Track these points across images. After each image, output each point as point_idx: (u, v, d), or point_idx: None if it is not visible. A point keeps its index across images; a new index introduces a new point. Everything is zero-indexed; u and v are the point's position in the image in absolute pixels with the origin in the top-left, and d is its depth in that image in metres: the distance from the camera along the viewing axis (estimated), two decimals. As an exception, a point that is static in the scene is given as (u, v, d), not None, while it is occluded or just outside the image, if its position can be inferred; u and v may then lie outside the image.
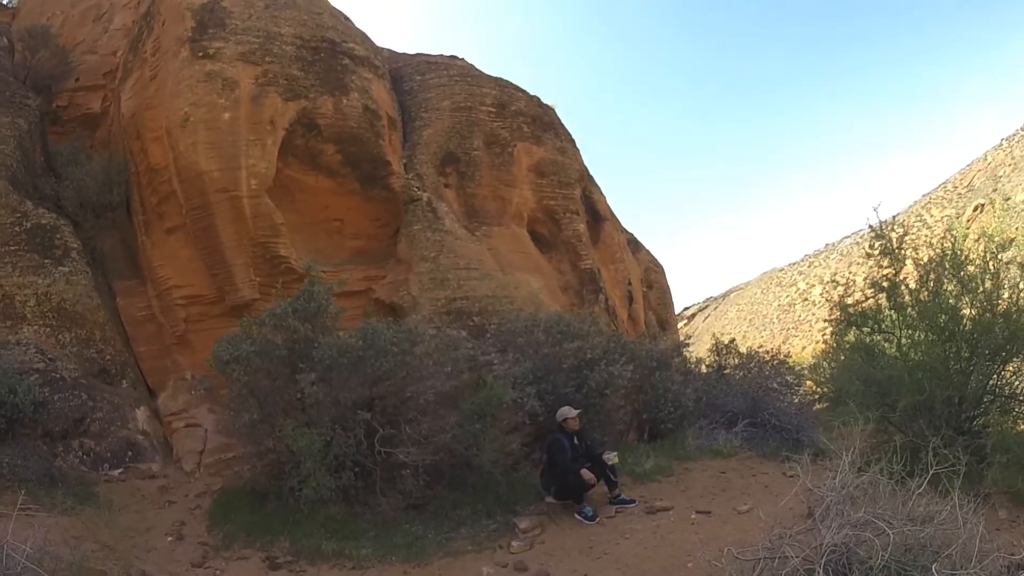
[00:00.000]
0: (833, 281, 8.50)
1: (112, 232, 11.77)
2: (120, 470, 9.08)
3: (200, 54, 10.63)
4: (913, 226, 42.20)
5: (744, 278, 48.94)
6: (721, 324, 40.62)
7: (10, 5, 18.04)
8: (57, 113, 13.66)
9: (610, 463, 7.54)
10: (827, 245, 49.38)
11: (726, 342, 12.74)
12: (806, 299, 41.68)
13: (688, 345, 13.69)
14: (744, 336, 35.95)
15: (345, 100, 11.36)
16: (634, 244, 18.85)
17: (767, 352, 12.34)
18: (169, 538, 7.47)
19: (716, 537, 6.03)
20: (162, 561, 6.84)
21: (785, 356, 12.59)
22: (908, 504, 3.48)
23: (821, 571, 3.24)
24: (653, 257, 19.64)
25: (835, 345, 7.99)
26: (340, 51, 11.85)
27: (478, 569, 6.40)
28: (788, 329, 40.50)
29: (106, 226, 11.66)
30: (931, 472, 3.63)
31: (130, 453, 9.36)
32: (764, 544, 3.93)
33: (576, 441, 7.71)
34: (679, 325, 43.05)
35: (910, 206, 49.13)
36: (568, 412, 7.83)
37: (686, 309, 47.24)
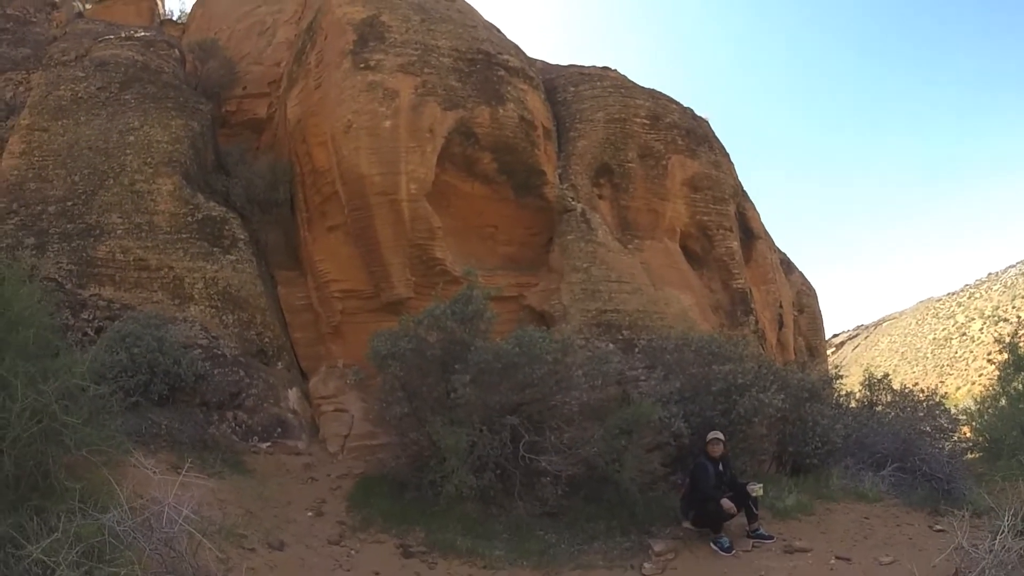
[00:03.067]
0: (995, 316, 7.79)
1: (276, 226, 12.86)
2: (268, 444, 9.87)
3: (362, 65, 11.41)
4: None
5: (899, 307, 45.50)
6: (871, 355, 37.92)
7: (180, 21, 20.39)
8: (226, 118, 15.14)
9: (754, 495, 7.42)
10: (990, 275, 44.97)
11: (879, 376, 11.96)
12: (964, 334, 38.05)
13: (841, 377, 13.02)
14: (895, 370, 33.38)
15: (501, 110, 11.82)
16: (787, 265, 18.17)
17: (922, 391, 11.50)
18: (309, 513, 8.04)
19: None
20: (300, 534, 7.37)
21: (941, 397, 11.65)
22: None
23: None
24: (806, 280, 18.81)
25: (999, 390, 7.32)
26: (495, 63, 12.35)
27: (608, 586, 6.51)
28: (943, 366, 37.15)
29: (271, 221, 12.77)
30: None
31: (279, 429, 10.17)
32: None
33: (721, 468, 7.63)
34: (827, 353, 40.69)
35: None
36: (714, 435, 7.75)
37: (835, 336, 44.58)
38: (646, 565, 6.92)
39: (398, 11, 12.13)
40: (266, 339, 11.34)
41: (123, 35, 15.08)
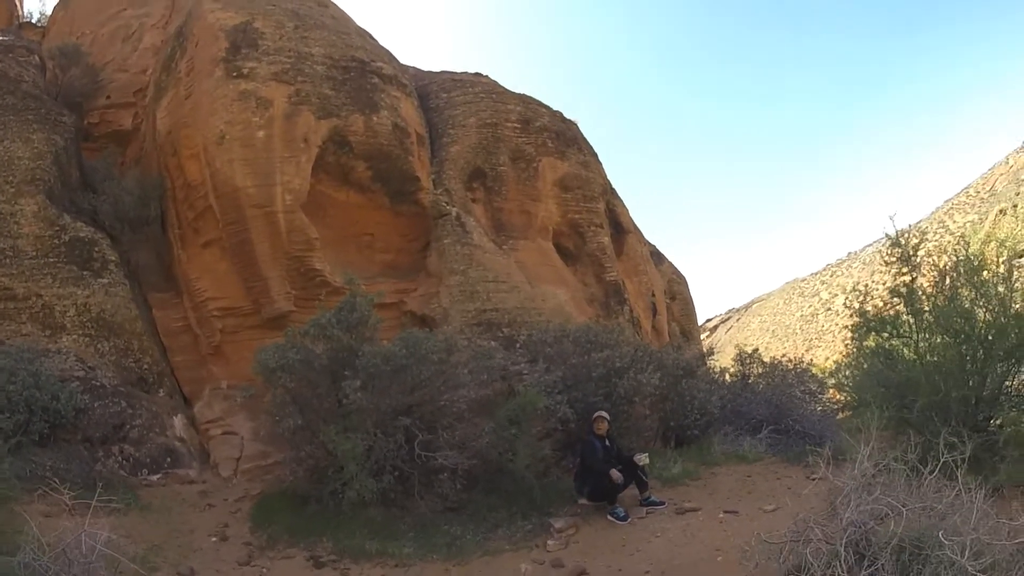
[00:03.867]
0: (856, 290, 8.82)
1: (147, 246, 12.35)
2: (159, 475, 9.58)
3: (234, 74, 11.24)
4: (936, 232, 42.23)
5: (766, 289, 49.15)
6: (744, 335, 40.81)
7: (39, 24, 18.96)
8: (89, 130, 14.33)
9: (641, 464, 7.96)
10: (849, 254, 49.46)
11: (749, 351, 13.13)
12: (829, 309, 41.69)
13: (713, 355, 14.11)
14: (767, 347, 36.14)
15: (375, 118, 11.94)
16: (657, 256, 19.29)
17: (790, 361, 12.75)
18: (213, 539, 7.94)
19: (743, 533, 6.40)
20: (209, 560, 7.31)
21: (808, 365, 12.97)
22: (920, 489, 3.88)
23: (842, 548, 3.65)
24: (676, 269, 20.06)
25: (855, 351, 8.38)
26: (369, 70, 12.46)
27: (516, 566, 6.84)
28: (811, 339, 40.53)
29: (141, 240, 12.24)
30: (941, 460, 4.02)
31: (169, 459, 9.87)
32: (790, 528, 4.35)
33: (608, 444, 8.14)
34: (702, 337, 43.29)
35: (933, 212, 49.22)
36: (598, 414, 8.29)
37: (708, 321, 47.52)
38: (549, 543, 7.28)
39: (271, 17, 12.03)
40: (145, 366, 10.93)
41: None
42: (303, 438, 8.01)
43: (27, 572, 4.59)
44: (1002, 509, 4.38)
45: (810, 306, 43.24)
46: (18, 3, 20.43)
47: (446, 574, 6.85)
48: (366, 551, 7.24)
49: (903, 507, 3.69)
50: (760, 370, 12.66)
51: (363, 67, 12.42)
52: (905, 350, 7.66)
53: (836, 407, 11.54)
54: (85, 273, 10.97)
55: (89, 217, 11.91)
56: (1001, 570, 3.39)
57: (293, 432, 7.97)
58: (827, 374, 12.56)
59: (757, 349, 13.60)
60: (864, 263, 42.71)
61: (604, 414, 8.35)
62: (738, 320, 44.10)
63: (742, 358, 12.99)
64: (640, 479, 8.03)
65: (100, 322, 10.67)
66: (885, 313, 7.97)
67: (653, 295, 17.26)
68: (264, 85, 11.25)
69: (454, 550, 7.22)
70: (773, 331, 42.22)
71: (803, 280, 45.76)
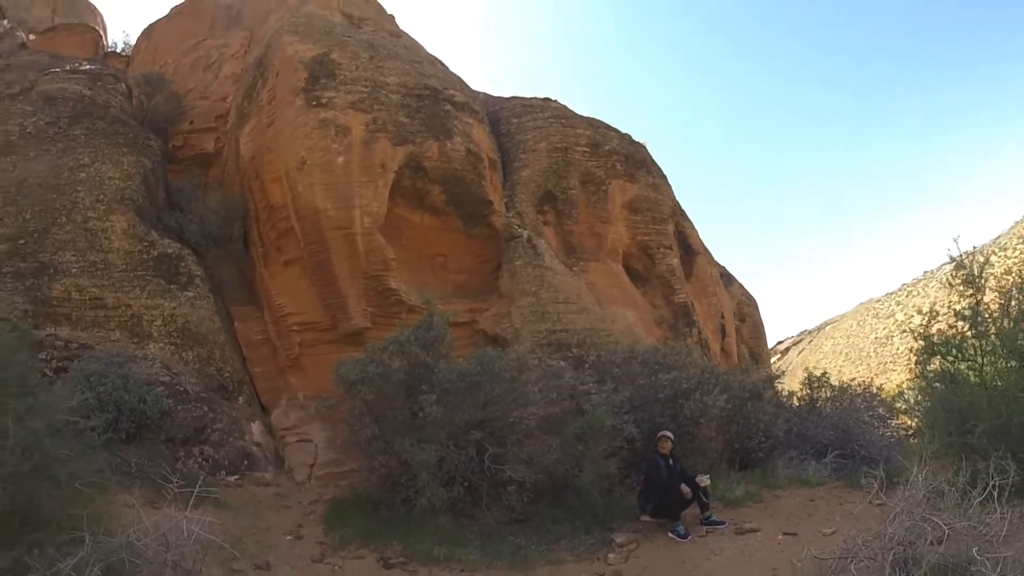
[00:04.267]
0: (924, 312, 8.86)
1: (230, 262, 13.38)
2: (236, 476, 10.33)
3: (314, 103, 12.16)
4: (1016, 248, 40.31)
5: (840, 310, 47.75)
6: (816, 358, 39.82)
7: (123, 53, 20.73)
8: (173, 152, 15.67)
9: (702, 485, 8.30)
10: (926, 273, 47.59)
11: (817, 374, 13.19)
12: (905, 331, 40.36)
13: (780, 377, 14.21)
14: (840, 371, 35.27)
15: (449, 144, 12.71)
16: (727, 277, 19.45)
17: (859, 385, 12.77)
18: (288, 537, 8.62)
19: (800, 554, 6.67)
20: (284, 555, 7.98)
21: (877, 389, 12.94)
22: (967, 511, 4.13)
23: (887, 565, 3.97)
24: (746, 290, 20.15)
25: (919, 374, 8.45)
26: (442, 98, 13.26)
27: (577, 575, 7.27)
28: (886, 363, 39.18)
29: (225, 257, 13.28)
30: (991, 484, 4.25)
31: (246, 462, 10.65)
32: (839, 546, 4.68)
33: (671, 463, 8.52)
34: (773, 359, 42.50)
35: (1012, 226, 46.99)
36: (663, 433, 8.70)
37: (779, 343, 46.59)
38: (610, 556, 7.71)
39: (347, 48, 12.95)
40: (226, 374, 11.81)
41: (69, 68, 15.37)
42: (378, 447, 8.67)
43: (129, 552, 5.24)
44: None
45: (884, 328, 41.87)
46: (103, 34, 22.39)
47: (510, 581, 7.35)
48: (434, 556, 7.80)
49: (946, 527, 3.98)
50: (828, 394, 12.73)
51: (436, 95, 13.22)
52: (970, 374, 7.73)
53: (905, 432, 11.51)
54: (172, 286, 11.98)
55: (175, 235, 12.99)
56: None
57: (369, 441, 8.65)
58: (892, 398, 12.49)
59: (826, 372, 13.64)
60: (941, 283, 41.23)
61: (668, 434, 8.74)
62: (810, 342, 43.08)
63: (810, 381, 13.08)
64: (701, 499, 8.36)
65: (185, 332, 11.64)
66: (950, 336, 8.05)
67: (723, 317, 17.43)
68: (342, 113, 12.12)
69: (518, 559, 7.72)
70: (846, 354, 41.07)
71: (877, 301, 44.36)
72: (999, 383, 7.33)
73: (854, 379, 14.10)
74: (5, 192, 12.21)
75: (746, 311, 19.31)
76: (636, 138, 16.52)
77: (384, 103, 12.54)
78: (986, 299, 8.08)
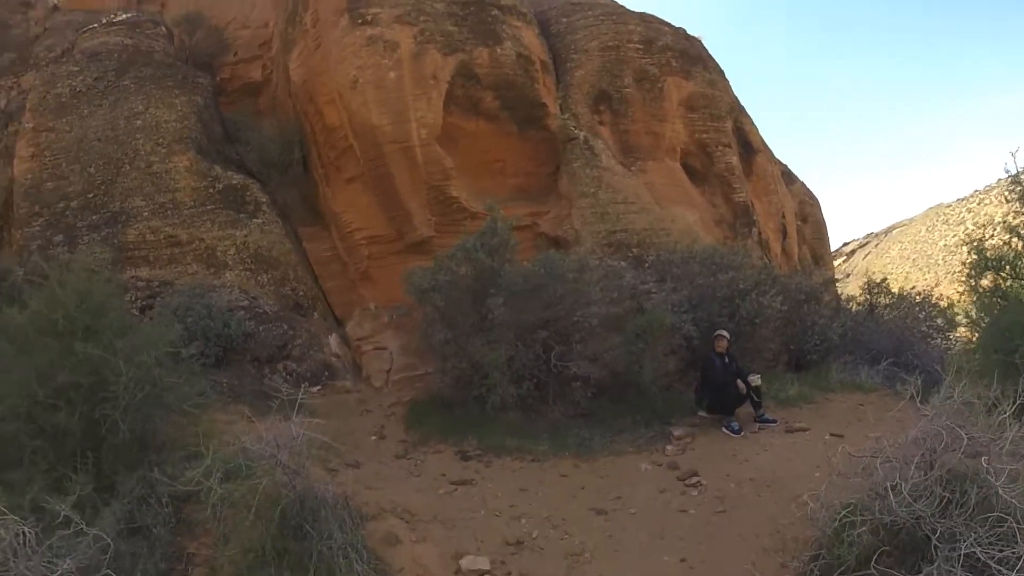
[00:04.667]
0: (1005, 222, 8.86)
1: (292, 185, 14.07)
2: (319, 387, 11.30)
3: (359, 21, 12.46)
4: None
5: (909, 213, 46.07)
6: (882, 262, 39.09)
7: None
8: (221, 85, 16.27)
9: (754, 384, 8.93)
10: (999, 180, 45.18)
11: (877, 280, 13.45)
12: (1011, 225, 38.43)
13: (837, 280, 14.54)
14: (907, 277, 34.74)
15: (499, 49, 12.95)
16: (788, 176, 19.42)
17: (919, 294, 13.00)
18: (373, 437, 9.62)
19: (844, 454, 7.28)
20: (371, 454, 8.93)
21: (938, 299, 13.15)
22: (989, 423, 4.62)
23: (912, 465, 4.55)
24: (808, 190, 20.09)
25: (969, 289, 8.63)
26: (488, 2, 13.42)
27: (637, 466, 8.10)
28: (953, 272, 38.27)
29: (287, 181, 13.96)
30: (1018, 400, 4.69)
31: (326, 373, 11.65)
32: (870, 446, 5.29)
33: (727, 361, 9.15)
34: (838, 262, 42.10)
35: None
36: (719, 332, 9.29)
37: (845, 245, 45.85)
38: (668, 448, 8.49)
39: (389, -38, 13.07)
40: (300, 293, 12.75)
41: (106, 21, 15.95)
42: (450, 350, 9.50)
43: (246, 456, 6.16)
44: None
45: (954, 235, 40.33)
46: None
47: (575, 468, 8.17)
48: (506, 447, 8.65)
49: (966, 436, 4.50)
50: (887, 301, 13.02)
51: (482, 0, 13.33)
52: (1022, 292, 7.92)
53: (965, 344, 11.81)
54: (240, 215, 12.84)
55: (236, 166, 13.73)
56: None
57: (442, 345, 9.48)
58: (953, 309, 12.66)
59: (885, 279, 13.89)
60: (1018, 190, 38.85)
61: (724, 332, 9.34)
62: (877, 246, 42.16)
63: (870, 287, 13.39)
64: (754, 398, 9.02)
65: (258, 257, 12.53)
66: (1004, 252, 8.20)
67: (783, 217, 17.56)
68: (389, 28, 12.42)
69: (583, 449, 8.54)
70: (913, 260, 40.04)
71: (948, 206, 42.62)
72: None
73: (914, 288, 14.25)
74: (67, 152, 13.11)
75: (808, 211, 19.31)
76: (691, 32, 16.36)
77: (430, 13, 12.77)
78: None
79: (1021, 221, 8.12)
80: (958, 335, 12.33)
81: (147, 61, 14.65)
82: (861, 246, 44.37)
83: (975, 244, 8.68)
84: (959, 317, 12.13)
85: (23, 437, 5.95)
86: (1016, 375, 7.11)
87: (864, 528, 4.62)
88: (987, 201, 41.93)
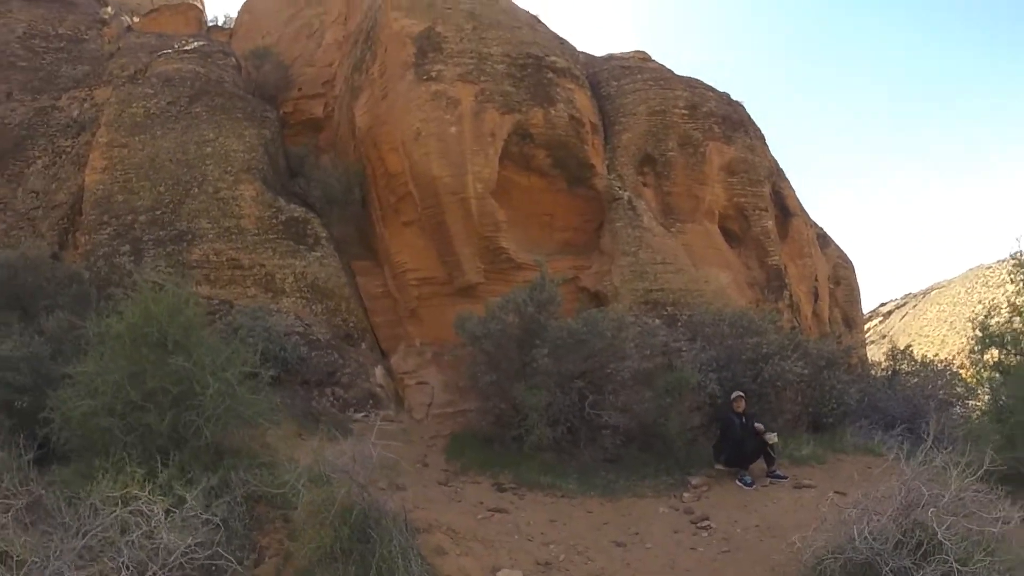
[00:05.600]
0: (995, 305, 10.22)
1: (349, 221, 15.76)
2: (363, 414, 12.84)
3: (424, 77, 14.27)
4: None
5: (948, 274, 46.14)
6: (919, 325, 39.41)
7: (225, 26, 23.25)
8: (284, 119, 18.04)
9: (770, 442, 10.34)
10: None
11: (902, 347, 14.82)
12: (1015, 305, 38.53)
13: (872, 342, 15.85)
14: (944, 341, 35.30)
15: (553, 111, 14.69)
16: (823, 239, 20.82)
17: (942, 362, 14.30)
18: (417, 464, 11.15)
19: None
20: (415, 480, 10.37)
21: (960, 367, 14.41)
22: (956, 486, 6.04)
23: (888, 519, 6.01)
24: (843, 253, 21.45)
25: (972, 363, 9.99)
26: (544, 65, 15.17)
27: (656, 508, 9.56)
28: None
29: (344, 217, 15.65)
30: (984, 468, 6.10)
31: (371, 401, 13.23)
32: (856, 501, 6.76)
33: (744, 420, 10.59)
34: (874, 322, 42.78)
35: None
36: (737, 394, 10.78)
37: (882, 305, 46.45)
38: (685, 495, 9.94)
39: (451, 21, 14.97)
40: (351, 324, 14.40)
41: (178, 47, 17.92)
42: (494, 391, 11.09)
43: (328, 467, 7.72)
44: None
45: (993, 298, 40.39)
46: (203, 8, 25.00)
47: (600, 506, 9.62)
48: (539, 483, 10.13)
49: (927, 494, 5.97)
50: (909, 367, 14.35)
51: (539, 62, 15.13)
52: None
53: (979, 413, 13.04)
54: (300, 247, 14.55)
55: (299, 199, 15.44)
56: (980, 550, 5.60)
57: (487, 386, 11.09)
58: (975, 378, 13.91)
59: (910, 346, 15.21)
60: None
61: (742, 394, 10.83)
62: (914, 307, 42.48)
63: (893, 354, 14.74)
64: (769, 455, 10.44)
65: (314, 288, 14.22)
66: (1006, 329, 9.58)
67: (816, 280, 18.94)
68: (452, 86, 14.19)
69: (608, 490, 10.00)
70: (951, 323, 40.17)
71: (988, 267, 42.80)
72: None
73: (943, 353, 15.54)
74: (138, 169, 14.83)
75: (842, 274, 20.66)
76: (735, 96, 18.02)
77: (490, 74, 14.53)
78: None
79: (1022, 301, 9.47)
80: (977, 403, 13.51)
81: (218, 91, 16.47)
82: (898, 307, 44.86)
83: (980, 322, 10.08)
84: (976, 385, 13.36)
85: (116, 432, 7.34)
86: (1007, 444, 8.48)
87: (837, 565, 6.10)
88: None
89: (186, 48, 18.08)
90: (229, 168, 15.07)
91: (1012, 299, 9.63)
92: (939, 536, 5.64)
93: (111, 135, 15.39)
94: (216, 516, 6.74)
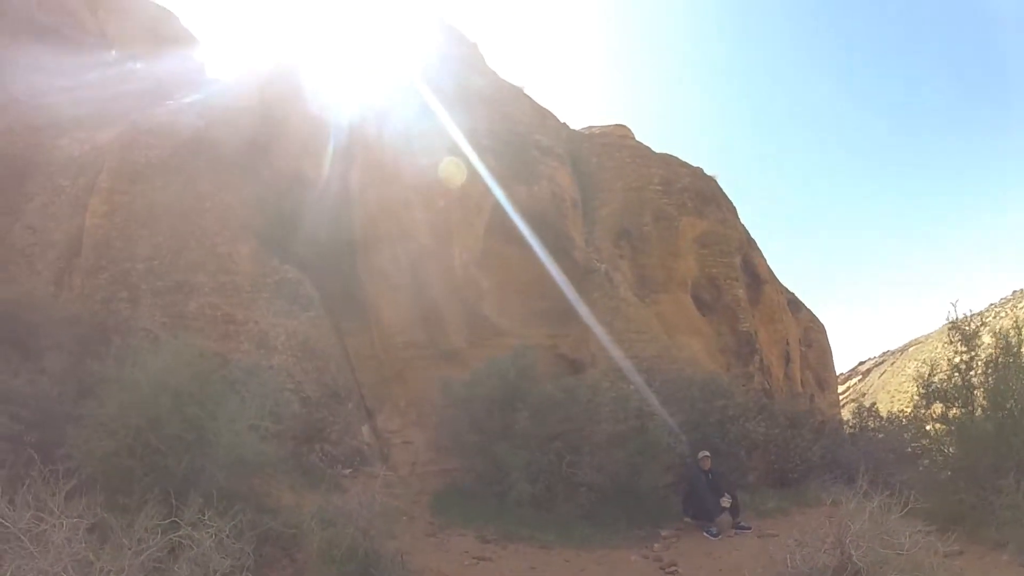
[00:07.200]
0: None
1: (338, 279, 16.70)
2: (350, 470, 13.86)
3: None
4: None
5: (926, 329, 47.83)
6: (897, 381, 40.99)
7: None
8: (279, 173, 18.86)
9: (724, 506, 11.64)
10: (1015, 292, 46.38)
11: (868, 406, 16.29)
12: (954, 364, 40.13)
13: (852, 400, 17.35)
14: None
15: (536, 187, 16.26)
16: (794, 304, 22.41)
17: (905, 417, 15.73)
18: (404, 518, 12.23)
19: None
20: (403, 531, 11.33)
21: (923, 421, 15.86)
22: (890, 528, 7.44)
23: (815, 549, 7.40)
24: (814, 316, 23.05)
25: (913, 417, 11.45)
26: (529, 143, 16.80)
27: (628, 557, 10.73)
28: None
29: (335, 275, 16.64)
30: (907, 508, 7.55)
31: (358, 458, 14.25)
32: (796, 539, 8.13)
33: (710, 476, 11.89)
34: (853, 381, 44.35)
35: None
36: (703, 453, 12.09)
37: (861, 364, 48.24)
38: (655, 545, 11.14)
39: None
40: (339, 383, 15.48)
41: (180, 99, 18.77)
42: (477, 451, 12.31)
43: (336, 514, 8.93)
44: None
45: (970, 353, 42.10)
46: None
47: (577, 556, 10.75)
48: (520, 535, 11.23)
49: (864, 541, 7.37)
50: (875, 424, 15.79)
51: (523, 140, 16.75)
52: (963, 419, 10.70)
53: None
54: (293, 307, 15.44)
55: (292, 256, 16.31)
56: (893, 570, 6.98)
57: (471, 446, 12.33)
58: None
59: (874, 403, 16.70)
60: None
61: (707, 453, 12.14)
62: (893, 364, 44.18)
63: (859, 411, 16.21)
64: (734, 508, 11.71)
65: (305, 347, 15.17)
66: (947, 385, 11.08)
67: (787, 343, 20.46)
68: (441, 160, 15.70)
69: (584, 542, 11.14)
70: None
71: (964, 321, 44.70)
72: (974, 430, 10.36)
73: (901, 411, 16.97)
74: (138, 217, 15.37)
75: (813, 336, 22.23)
76: (708, 170, 19.76)
77: (477, 149, 16.13)
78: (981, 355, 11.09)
79: (962, 360, 10.93)
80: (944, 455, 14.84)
81: (218, 145, 17.16)
82: (877, 365, 46.55)
83: (925, 378, 11.53)
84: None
85: (136, 472, 8.32)
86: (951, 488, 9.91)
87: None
88: (1003, 315, 44.14)
89: (188, 101, 19.40)
90: (227, 224, 15.86)
91: (951, 359, 11.12)
92: (854, 559, 6.96)
93: (112, 181, 15.86)
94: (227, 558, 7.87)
